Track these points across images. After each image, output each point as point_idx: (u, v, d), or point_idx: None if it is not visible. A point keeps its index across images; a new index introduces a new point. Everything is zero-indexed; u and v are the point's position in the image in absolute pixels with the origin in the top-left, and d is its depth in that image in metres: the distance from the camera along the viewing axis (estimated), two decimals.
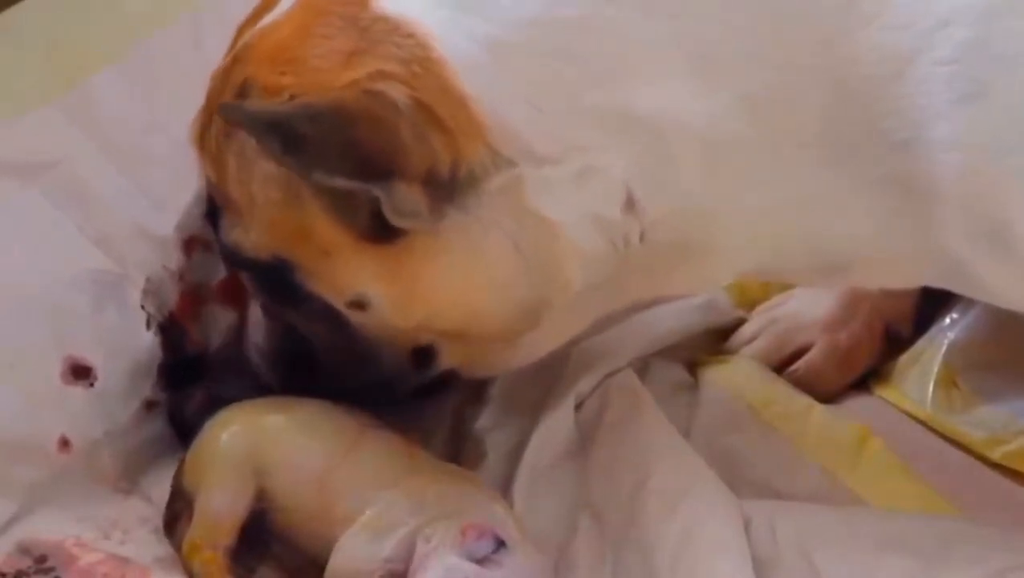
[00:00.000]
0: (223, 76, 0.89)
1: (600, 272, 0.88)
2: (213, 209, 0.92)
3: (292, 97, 0.82)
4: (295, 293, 0.90)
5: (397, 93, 0.81)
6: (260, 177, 0.86)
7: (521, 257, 0.86)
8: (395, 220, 0.83)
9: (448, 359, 0.94)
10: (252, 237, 0.89)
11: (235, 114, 0.84)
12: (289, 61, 0.84)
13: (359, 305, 0.89)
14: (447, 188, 0.83)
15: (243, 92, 0.86)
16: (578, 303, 0.90)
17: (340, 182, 0.81)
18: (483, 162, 0.83)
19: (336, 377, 0.94)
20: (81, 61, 1.08)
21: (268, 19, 0.88)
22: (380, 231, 0.84)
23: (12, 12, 1.13)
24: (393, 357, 0.93)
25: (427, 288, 0.87)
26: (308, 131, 0.80)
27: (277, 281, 0.90)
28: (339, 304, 0.89)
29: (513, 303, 0.88)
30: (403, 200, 0.82)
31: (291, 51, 0.84)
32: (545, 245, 0.86)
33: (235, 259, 0.92)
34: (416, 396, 0.97)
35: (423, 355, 0.93)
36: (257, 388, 0.97)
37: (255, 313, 0.98)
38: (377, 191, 0.82)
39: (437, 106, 0.81)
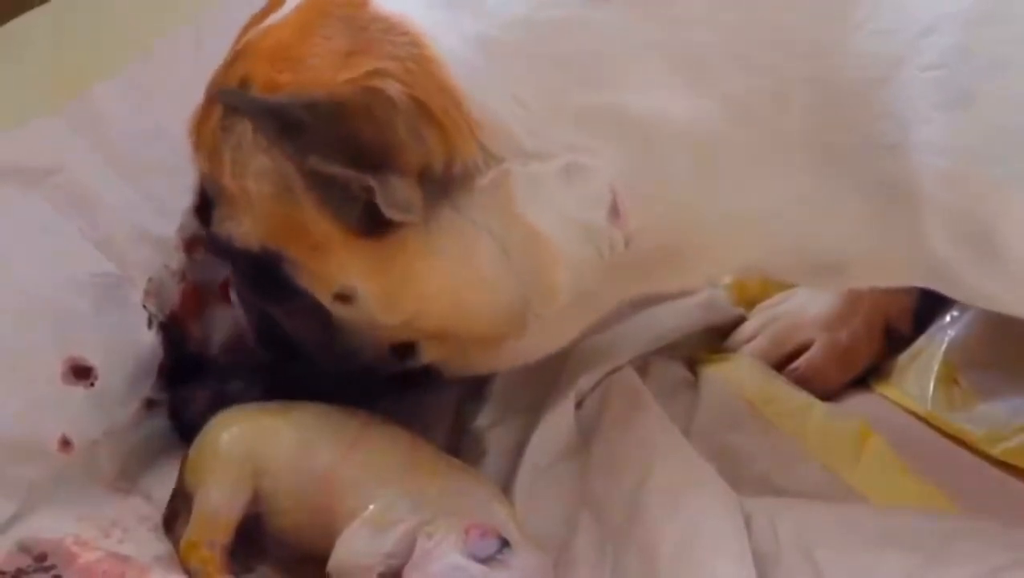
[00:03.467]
0: (224, 71, 0.90)
1: (586, 280, 0.88)
2: (204, 201, 0.93)
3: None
4: (281, 287, 0.90)
5: (393, 90, 0.82)
6: (255, 171, 0.87)
7: (509, 261, 0.86)
8: (388, 211, 0.83)
9: (428, 355, 0.95)
10: (244, 229, 0.90)
11: (233, 99, 0.86)
12: (288, 60, 0.85)
13: (345, 298, 0.89)
14: (441, 185, 0.84)
15: (242, 87, 0.87)
16: (566, 312, 0.91)
17: (336, 169, 0.82)
18: (476, 160, 0.83)
19: (316, 362, 0.95)
20: (83, 71, 1.09)
21: (272, 19, 0.89)
22: (372, 226, 0.85)
23: (16, 24, 1.14)
24: (372, 351, 0.93)
25: (416, 285, 0.87)
26: (305, 118, 0.81)
27: (264, 274, 0.90)
28: (325, 298, 0.90)
29: (499, 307, 0.89)
30: (397, 192, 0.82)
31: (291, 50, 0.86)
32: (532, 251, 0.86)
33: (225, 249, 0.93)
34: (403, 385, 0.97)
35: (402, 349, 0.94)
36: (264, 389, 0.97)
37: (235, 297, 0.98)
38: (372, 181, 0.82)
39: (432, 104, 0.82)
